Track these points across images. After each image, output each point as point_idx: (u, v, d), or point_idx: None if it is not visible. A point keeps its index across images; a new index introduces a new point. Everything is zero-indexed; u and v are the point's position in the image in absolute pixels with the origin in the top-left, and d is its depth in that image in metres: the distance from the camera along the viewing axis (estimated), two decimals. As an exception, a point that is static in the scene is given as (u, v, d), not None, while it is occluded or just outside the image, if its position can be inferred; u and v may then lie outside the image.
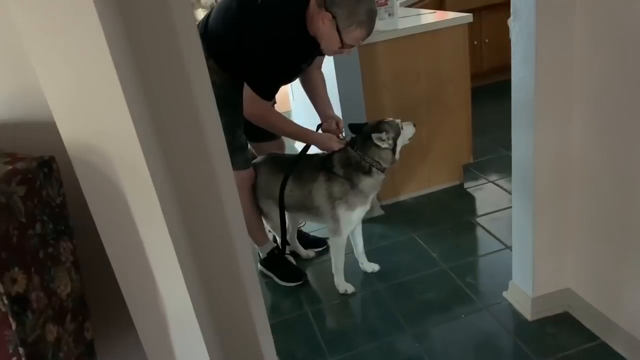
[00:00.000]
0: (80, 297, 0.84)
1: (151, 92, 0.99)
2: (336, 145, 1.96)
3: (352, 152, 1.91)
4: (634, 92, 1.29)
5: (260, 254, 2.28)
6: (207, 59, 1.13)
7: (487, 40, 3.99)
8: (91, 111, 0.77)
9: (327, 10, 1.68)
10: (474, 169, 2.93)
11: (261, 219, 2.18)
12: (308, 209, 2.01)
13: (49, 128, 0.80)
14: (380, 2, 2.29)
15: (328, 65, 2.23)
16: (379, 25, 2.39)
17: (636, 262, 1.44)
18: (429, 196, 2.77)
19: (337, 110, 2.22)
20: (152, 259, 0.88)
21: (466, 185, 2.83)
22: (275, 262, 2.24)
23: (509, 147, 1.68)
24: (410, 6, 3.44)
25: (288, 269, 2.23)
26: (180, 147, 1.06)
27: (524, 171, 1.63)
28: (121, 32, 0.88)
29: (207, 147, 1.07)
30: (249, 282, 1.25)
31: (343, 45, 1.74)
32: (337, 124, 2.01)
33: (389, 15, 2.33)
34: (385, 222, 2.57)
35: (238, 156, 1.94)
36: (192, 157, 1.07)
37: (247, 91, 1.80)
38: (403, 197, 2.76)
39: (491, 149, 3.13)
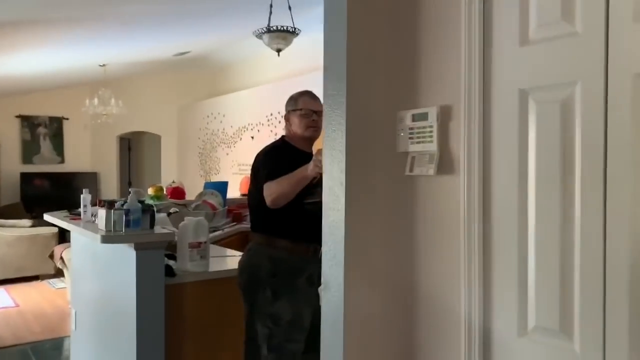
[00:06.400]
0: None
1: None
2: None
3: None
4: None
5: None
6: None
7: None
8: None
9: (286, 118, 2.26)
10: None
11: None
12: None
13: None
14: (193, 244, 2.32)
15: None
16: (189, 265, 2.38)
17: None
18: None
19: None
20: None
21: None
22: None
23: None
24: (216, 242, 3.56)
25: None
26: None
27: None
28: None
29: None
30: None
31: (302, 111, 2.16)
32: None
33: (201, 257, 2.34)
34: None
35: None
36: None
37: (265, 189, 2.03)
38: None
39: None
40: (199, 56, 6.86)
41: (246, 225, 4.20)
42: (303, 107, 2.19)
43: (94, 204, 2.65)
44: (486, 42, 1.25)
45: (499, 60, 1.23)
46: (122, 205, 2.16)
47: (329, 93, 1.62)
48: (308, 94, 2.23)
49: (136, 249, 2.10)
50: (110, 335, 2.50)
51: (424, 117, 1.36)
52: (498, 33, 1.24)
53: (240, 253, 2.95)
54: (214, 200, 4.06)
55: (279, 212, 2.06)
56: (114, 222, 2.11)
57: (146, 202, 2.47)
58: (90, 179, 7.54)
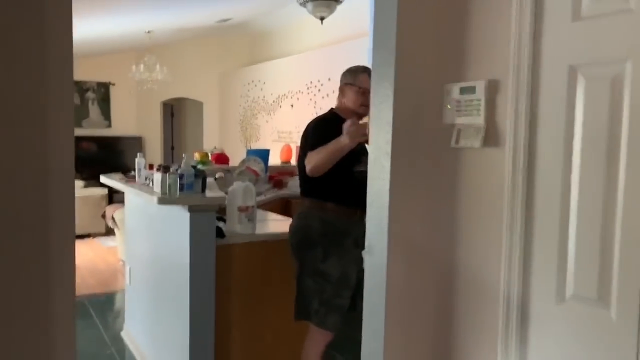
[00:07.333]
0: None
1: None
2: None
3: None
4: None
5: None
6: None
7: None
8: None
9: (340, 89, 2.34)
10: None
11: None
12: None
13: None
14: (242, 207, 2.45)
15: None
16: (238, 228, 2.51)
17: None
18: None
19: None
20: None
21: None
22: None
23: None
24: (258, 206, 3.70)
25: None
26: None
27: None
28: None
29: None
30: None
31: (360, 89, 2.23)
32: None
33: (249, 220, 2.47)
34: None
35: (333, 316, 2.20)
36: None
37: (306, 159, 2.17)
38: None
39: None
40: (241, 23, 6.91)
41: (286, 191, 4.33)
42: (361, 85, 2.25)
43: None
44: (537, 17, 1.26)
45: (550, 35, 1.25)
46: (177, 170, 2.29)
47: (377, 64, 1.67)
48: (367, 72, 2.26)
49: (190, 211, 2.24)
50: (165, 290, 2.69)
51: (471, 90, 1.40)
52: (550, 7, 1.25)
53: (283, 217, 3.09)
54: (257, 166, 4.19)
55: (329, 179, 2.17)
56: (169, 185, 2.25)
57: (198, 167, 2.59)
58: (135, 144, 7.81)
